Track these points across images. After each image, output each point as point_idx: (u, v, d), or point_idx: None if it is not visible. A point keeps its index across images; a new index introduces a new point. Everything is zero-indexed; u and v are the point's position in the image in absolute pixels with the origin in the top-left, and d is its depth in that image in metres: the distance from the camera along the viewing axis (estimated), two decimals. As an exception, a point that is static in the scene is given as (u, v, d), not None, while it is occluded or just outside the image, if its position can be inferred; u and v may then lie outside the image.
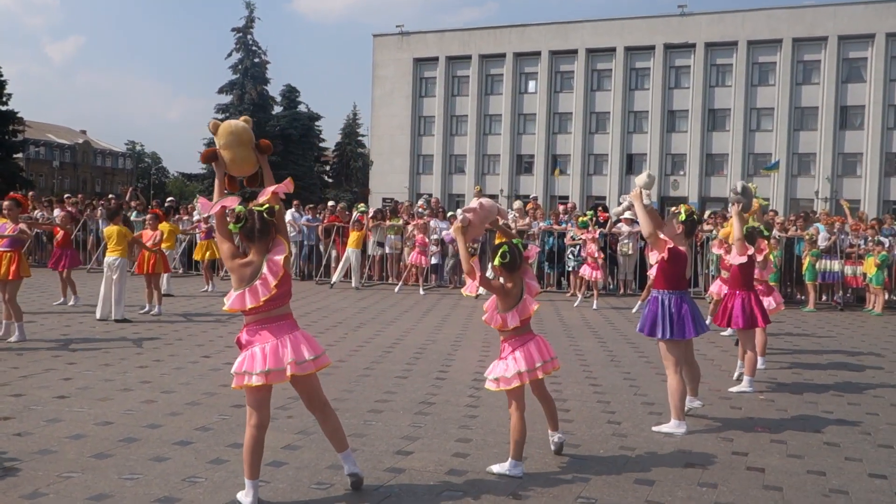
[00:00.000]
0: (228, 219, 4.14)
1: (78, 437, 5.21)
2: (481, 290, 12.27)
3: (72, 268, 12.17)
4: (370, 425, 5.66)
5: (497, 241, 4.99)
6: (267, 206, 4.12)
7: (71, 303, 11.84)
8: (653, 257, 5.91)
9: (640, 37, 51.47)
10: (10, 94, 54.56)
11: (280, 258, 4.05)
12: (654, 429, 5.72)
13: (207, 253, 14.86)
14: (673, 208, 6.43)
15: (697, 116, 50.61)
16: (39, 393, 6.38)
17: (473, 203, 5.01)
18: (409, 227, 16.10)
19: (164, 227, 13.63)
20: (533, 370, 4.67)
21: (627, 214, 10.22)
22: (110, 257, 10.62)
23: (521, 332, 4.76)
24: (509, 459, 4.68)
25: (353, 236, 15.57)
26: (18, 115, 54.74)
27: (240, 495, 4.11)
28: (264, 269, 4.03)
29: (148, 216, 12.39)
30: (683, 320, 5.69)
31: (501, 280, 4.80)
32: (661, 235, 5.80)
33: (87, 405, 6.04)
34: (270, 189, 4.23)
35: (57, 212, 14.15)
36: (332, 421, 4.25)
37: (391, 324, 11.02)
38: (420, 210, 18.29)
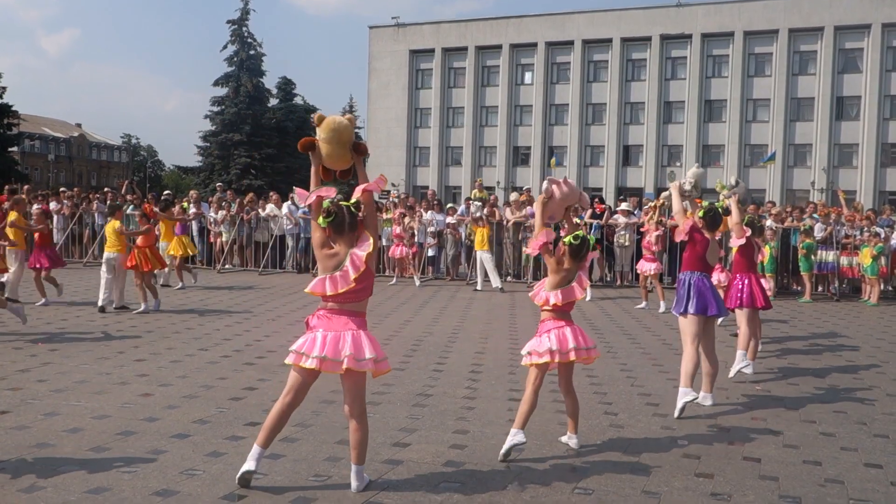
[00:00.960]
0: (321, 213, 4.20)
1: (75, 430, 5.21)
2: (479, 285, 12.29)
3: (51, 269, 11.64)
4: (368, 417, 5.65)
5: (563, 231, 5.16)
6: (355, 200, 4.22)
7: (56, 298, 11.51)
8: (676, 236, 6.38)
9: (637, 28, 51.38)
10: (4, 88, 54.33)
11: (363, 253, 4.13)
12: (675, 414, 5.80)
13: (180, 250, 14.10)
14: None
15: (694, 107, 50.58)
16: (36, 387, 6.38)
17: (560, 179, 5.19)
18: (383, 218, 16.08)
19: (163, 224, 13.63)
20: (566, 352, 4.78)
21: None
22: (109, 253, 10.62)
23: (560, 315, 4.90)
24: (512, 429, 4.77)
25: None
26: (13, 108, 54.53)
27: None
28: (347, 263, 4.12)
29: (138, 213, 12.09)
30: (704, 298, 5.98)
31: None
32: (688, 215, 6.23)
33: (84, 399, 6.04)
34: (363, 186, 4.29)
35: (35, 207, 13.87)
36: (362, 432, 4.24)
37: (388, 316, 11.03)
38: (393, 200, 18.29)
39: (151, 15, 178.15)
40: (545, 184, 5.21)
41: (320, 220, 4.16)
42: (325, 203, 4.18)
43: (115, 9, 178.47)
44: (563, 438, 5.13)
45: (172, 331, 9.34)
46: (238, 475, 4.19)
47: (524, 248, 16.17)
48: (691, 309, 5.98)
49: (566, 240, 4.91)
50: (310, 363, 4.06)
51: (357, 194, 4.29)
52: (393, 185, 23.85)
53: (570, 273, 4.92)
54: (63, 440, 4.99)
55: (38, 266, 11.39)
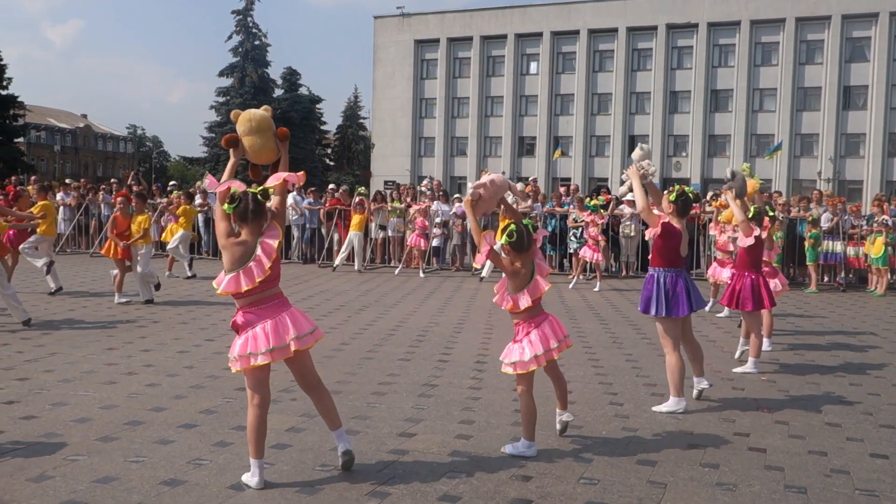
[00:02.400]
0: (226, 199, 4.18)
1: (83, 420, 5.24)
2: (485, 273, 12.36)
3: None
4: (373, 408, 5.69)
5: (502, 222, 4.97)
6: (261, 188, 4.18)
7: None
8: (648, 233, 5.94)
9: (643, 17, 51.13)
10: (10, 79, 54.35)
11: (274, 242, 4.12)
12: (655, 409, 5.75)
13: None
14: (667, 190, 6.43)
15: (700, 97, 50.38)
16: (44, 377, 6.42)
17: (484, 178, 4.99)
18: (412, 210, 16.09)
19: (183, 209, 13.66)
20: (549, 351, 4.68)
21: (629, 196, 10.21)
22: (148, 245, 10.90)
23: (533, 312, 4.75)
24: (522, 440, 4.73)
25: (356, 219, 15.57)
26: (19, 99, 54.59)
27: (245, 477, 4.14)
28: (258, 251, 4.09)
29: (120, 200, 11.43)
30: (678, 297, 5.69)
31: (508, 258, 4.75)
32: (655, 211, 5.84)
33: (92, 389, 6.07)
34: (282, 175, 4.28)
35: (59, 195, 14.00)
36: (326, 399, 4.32)
37: (394, 307, 11.04)
38: (424, 189, 18.25)
39: (156, 5, 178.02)
40: (470, 187, 4.96)
41: (225, 206, 4.11)
42: (233, 189, 4.13)
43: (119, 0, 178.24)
44: (558, 419, 5.03)
45: (179, 321, 9.37)
46: (248, 489, 4.12)
47: (474, 261, 16.02)
48: (664, 311, 5.68)
49: (503, 241, 4.68)
50: (261, 360, 4.03)
51: (276, 181, 4.25)
52: (430, 177, 23.77)
53: (527, 268, 4.71)
54: (71, 430, 5.02)
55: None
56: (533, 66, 54.83)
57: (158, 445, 4.76)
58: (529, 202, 16.25)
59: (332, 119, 70.39)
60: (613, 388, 6.47)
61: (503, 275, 4.85)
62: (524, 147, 55.49)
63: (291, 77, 61.66)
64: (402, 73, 57.14)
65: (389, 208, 16.95)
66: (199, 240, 15.39)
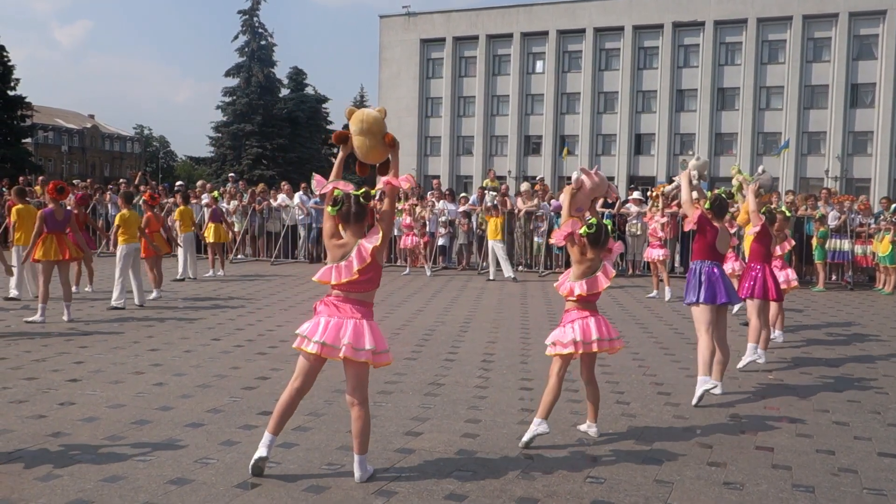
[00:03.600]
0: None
1: (91, 419, 5.26)
2: (492, 274, 12.28)
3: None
4: (380, 406, 5.69)
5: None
6: (364, 190, 4.22)
7: (87, 289, 11.69)
8: (686, 225, 6.47)
9: (649, 15, 51.00)
10: (17, 79, 54.51)
11: (370, 245, 4.13)
12: (693, 402, 5.80)
13: (213, 236, 14.69)
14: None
15: (706, 95, 50.20)
16: (52, 376, 6.44)
17: (592, 169, 5.19)
18: (400, 209, 16.09)
19: (179, 210, 13.66)
20: (589, 342, 4.80)
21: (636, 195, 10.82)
22: (126, 245, 10.56)
23: (585, 305, 4.91)
24: (535, 418, 4.80)
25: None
26: (26, 100, 54.81)
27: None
28: (353, 253, 4.14)
29: (143, 201, 12.19)
30: (714, 287, 6.01)
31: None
32: (695, 205, 6.24)
33: (99, 388, 6.09)
34: (386, 179, 4.31)
35: (71, 196, 14.08)
36: (364, 421, 4.23)
37: (400, 306, 11.05)
38: (405, 189, 18.17)
39: (163, 6, 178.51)
40: (575, 174, 5.18)
41: (328, 208, 4.21)
42: (337, 192, 4.20)
43: (127, 0, 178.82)
44: (583, 427, 5.14)
45: (186, 321, 9.39)
46: (251, 463, 4.22)
47: (535, 238, 16.16)
48: (701, 298, 6.01)
49: (582, 230, 4.89)
50: (311, 347, 4.10)
51: (379, 186, 4.33)
52: (430, 176, 23.93)
53: (595, 263, 4.91)
54: (78, 429, 5.04)
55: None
56: (539, 65, 54.75)
57: (166, 444, 4.77)
58: (536, 201, 16.25)
59: (338, 118, 70.30)
60: (620, 387, 6.47)
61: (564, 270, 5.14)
62: (530, 146, 55.42)
63: (297, 77, 61.79)
64: (407, 72, 57.14)
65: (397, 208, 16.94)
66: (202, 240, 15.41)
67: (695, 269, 6.16)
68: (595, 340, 4.82)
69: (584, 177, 5.11)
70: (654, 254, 12.22)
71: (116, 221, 10.67)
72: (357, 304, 4.19)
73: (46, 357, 7.18)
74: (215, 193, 18.15)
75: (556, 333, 4.92)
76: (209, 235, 14.69)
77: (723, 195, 6.56)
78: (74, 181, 23.57)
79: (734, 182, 7.82)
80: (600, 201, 15.17)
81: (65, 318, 9.17)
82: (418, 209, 16.18)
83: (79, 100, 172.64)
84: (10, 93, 54.07)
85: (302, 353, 4.19)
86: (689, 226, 6.32)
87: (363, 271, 4.14)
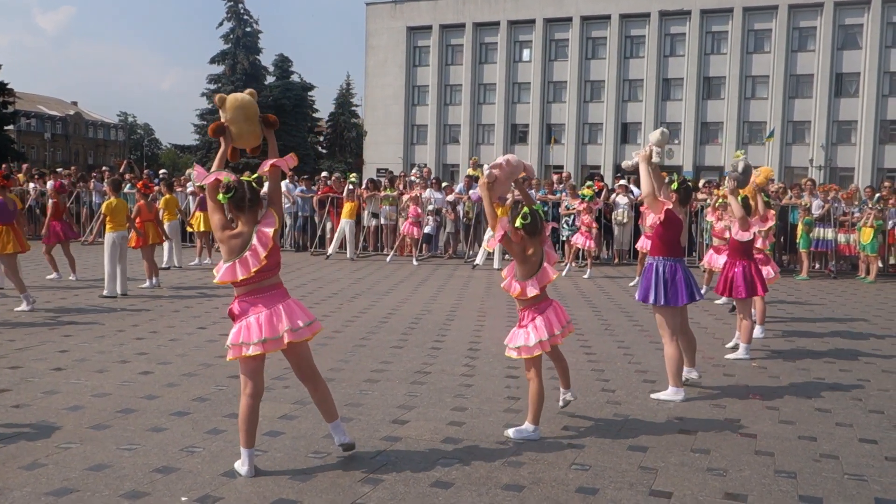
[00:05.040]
0: (220, 190, 4.12)
1: (75, 408, 5.23)
2: (479, 260, 12.34)
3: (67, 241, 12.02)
4: (366, 395, 5.70)
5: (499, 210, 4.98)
6: (256, 175, 4.16)
7: (71, 277, 11.66)
8: (648, 220, 5.92)
9: (636, 4, 51.05)
10: (0, 65, 53.94)
11: (270, 230, 4.06)
12: (653, 396, 5.78)
13: (202, 225, 14.61)
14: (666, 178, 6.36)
15: (692, 84, 50.39)
16: (36, 365, 6.40)
17: (500, 159, 5.02)
18: (404, 198, 16.06)
19: (164, 199, 13.40)
20: (553, 337, 4.78)
21: (627, 163, 10.08)
22: (113, 233, 10.35)
23: (538, 299, 4.83)
24: (526, 424, 4.80)
25: (347, 207, 15.54)
26: (9, 86, 54.12)
27: (237, 465, 4.15)
28: (254, 241, 4.04)
29: (136, 190, 12.12)
30: (677, 286, 5.71)
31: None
32: (660, 198, 5.82)
33: (84, 377, 6.06)
34: (270, 161, 4.24)
35: (50, 184, 13.93)
36: (322, 390, 4.29)
37: (386, 294, 11.04)
38: (414, 178, 18.19)
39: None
40: (486, 169, 5.00)
41: (220, 196, 4.06)
42: (225, 178, 4.08)
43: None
44: (561, 397, 5.16)
45: (171, 309, 9.35)
46: (239, 477, 4.12)
47: (485, 244, 15.99)
48: (661, 300, 5.68)
49: (517, 223, 4.72)
50: (252, 350, 4.00)
51: (263, 168, 4.22)
52: (418, 166, 23.88)
53: (537, 255, 4.77)
54: (63, 418, 5.01)
55: (51, 240, 11.71)
56: (525, 54, 54.70)
57: (151, 433, 4.76)
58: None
59: (324, 107, 70.20)
60: (605, 374, 6.50)
61: (511, 261, 4.89)
62: (517, 135, 55.42)
63: (283, 64, 61.24)
64: (394, 60, 56.91)
65: (382, 196, 16.91)
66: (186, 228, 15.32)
67: (655, 267, 5.74)
68: (559, 334, 4.80)
69: (494, 171, 4.93)
70: (648, 245, 12.17)
71: (103, 209, 10.58)
72: (271, 289, 4.12)
73: (30, 346, 7.13)
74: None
75: (520, 338, 4.77)
76: (197, 224, 14.56)
77: (689, 182, 5.98)
78: (58, 169, 23.34)
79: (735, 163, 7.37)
80: (536, 186, 15.02)
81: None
82: (405, 198, 16.14)
83: (62, 87, 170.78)
84: (-8, 79, 53.37)
85: (242, 359, 4.06)
86: (652, 220, 5.79)
87: (268, 256, 4.05)
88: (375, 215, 16.99)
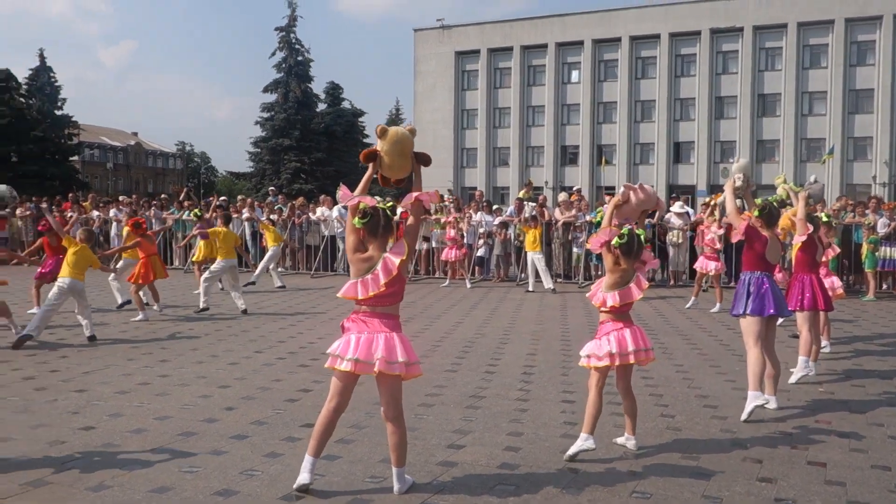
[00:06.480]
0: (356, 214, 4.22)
1: (139, 431, 5.35)
2: (531, 286, 12.12)
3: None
4: (421, 419, 5.69)
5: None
6: (391, 204, 4.25)
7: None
8: (733, 236, 6.22)
9: (686, 22, 50.56)
10: (64, 99, 56.39)
11: (397, 259, 4.14)
12: (743, 417, 5.67)
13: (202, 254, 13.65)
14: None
15: (747, 102, 49.53)
16: (101, 388, 6.57)
17: (637, 185, 5.24)
18: (442, 221, 16.08)
19: (223, 233, 12.83)
20: (625, 354, 4.77)
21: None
22: (223, 262, 11.32)
23: (619, 316, 4.87)
24: (581, 434, 4.76)
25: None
26: (73, 119, 56.34)
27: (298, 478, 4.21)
28: (378, 267, 4.14)
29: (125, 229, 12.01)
30: (763, 298, 5.86)
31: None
32: (742, 214, 6.10)
33: (146, 400, 6.19)
34: (415, 195, 4.33)
35: (116, 213, 14.19)
36: (400, 434, 4.24)
37: (439, 318, 11.04)
38: (446, 204, 18.18)
39: (203, 26, 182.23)
40: (622, 188, 5.22)
41: (355, 220, 4.18)
42: (362, 205, 4.19)
43: (169, 21, 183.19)
44: (620, 440, 5.08)
45: (229, 333, 9.51)
46: (295, 486, 4.21)
47: (574, 248, 16.04)
48: (748, 309, 5.87)
49: (614, 242, 4.84)
50: (344, 366, 4.09)
51: (407, 201, 4.32)
52: (449, 190, 24.05)
53: (628, 273, 4.87)
54: (128, 440, 5.13)
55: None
56: (574, 75, 54.60)
57: (211, 456, 4.83)
58: (574, 211, 16.15)
59: (373, 132, 70.98)
60: (664, 399, 6.36)
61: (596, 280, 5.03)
62: (567, 156, 55.20)
63: (334, 91, 62.49)
64: (442, 84, 57.40)
65: (433, 219, 16.98)
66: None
67: (744, 280, 6.03)
68: (631, 352, 4.79)
69: (630, 193, 5.17)
70: (709, 266, 11.96)
71: (212, 237, 11.58)
72: (385, 317, 4.19)
73: (95, 369, 7.32)
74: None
75: (592, 346, 4.88)
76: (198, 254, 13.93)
77: (774, 203, 6.33)
78: (120, 197, 24.11)
79: (779, 192, 7.57)
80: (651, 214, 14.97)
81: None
82: (441, 221, 16.16)
83: (123, 118, 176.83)
84: (58, 112, 55.74)
85: (335, 371, 4.18)
86: (735, 237, 6.16)
87: (389, 284, 4.13)
88: (426, 239, 17.07)
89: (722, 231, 12.00)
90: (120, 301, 11.51)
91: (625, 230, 4.86)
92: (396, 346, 4.13)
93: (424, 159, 4.51)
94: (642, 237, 4.93)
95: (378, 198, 4.33)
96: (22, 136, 51.87)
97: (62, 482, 4.36)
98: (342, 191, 4.44)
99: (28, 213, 19.98)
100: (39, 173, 51.75)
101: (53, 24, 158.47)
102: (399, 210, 4.37)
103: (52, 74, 57.19)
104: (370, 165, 4.44)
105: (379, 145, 4.43)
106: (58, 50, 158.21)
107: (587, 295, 5.10)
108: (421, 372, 4.34)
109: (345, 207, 4.36)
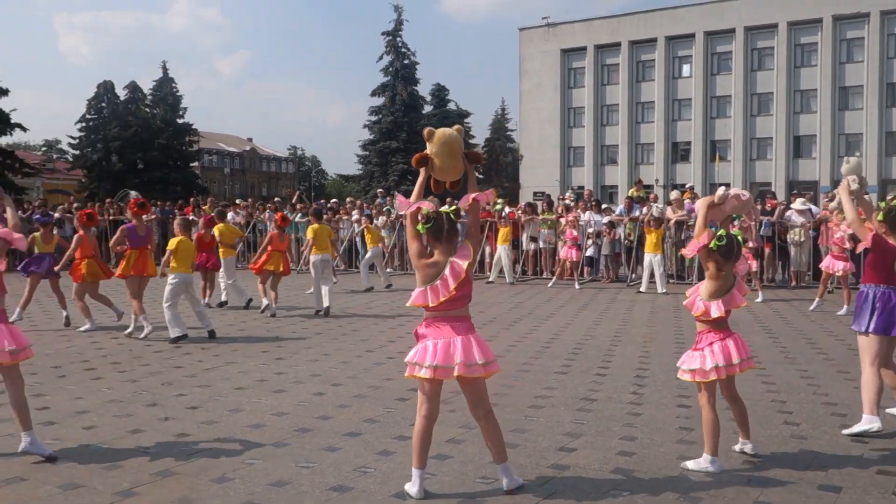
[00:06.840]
0: (419, 219, 4.25)
1: (257, 426, 5.56)
2: (643, 287, 11.79)
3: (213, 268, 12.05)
4: (531, 421, 5.63)
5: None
6: (455, 207, 4.26)
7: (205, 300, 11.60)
8: (859, 247, 5.70)
9: (805, 10, 47.99)
10: (185, 108, 59.56)
11: (464, 262, 4.14)
12: (844, 432, 5.28)
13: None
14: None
15: (874, 91, 46.50)
16: (222, 384, 6.88)
17: (739, 190, 5.13)
18: (562, 222, 15.90)
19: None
20: (730, 366, 4.59)
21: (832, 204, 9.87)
22: (315, 256, 11.48)
23: (720, 325, 4.68)
24: (704, 454, 4.59)
25: (502, 232, 15.63)
26: (193, 127, 59.49)
27: (407, 486, 4.22)
28: (446, 271, 4.14)
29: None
30: (891, 315, 5.24)
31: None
32: (866, 223, 5.50)
33: (264, 396, 6.44)
34: (472, 195, 4.35)
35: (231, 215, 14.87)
36: (493, 430, 4.24)
37: (547, 319, 10.93)
38: (568, 202, 17.97)
39: (313, 34, 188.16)
40: (721, 189, 5.02)
41: (419, 226, 4.16)
42: (425, 210, 4.18)
43: (281, 30, 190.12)
44: (737, 447, 4.86)
45: (340, 332, 9.76)
46: (409, 499, 4.20)
47: (682, 250, 15.50)
48: (872, 327, 5.26)
49: (712, 245, 4.60)
50: (423, 373, 4.08)
51: (464, 202, 4.30)
52: (571, 188, 23.86)
53: (729, 279, 4.65)
54: (247, 434, 5.34)
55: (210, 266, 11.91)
56: (686, 69, 52.91)
57: (326, 452, 4.95)
58: (686, 210, 15.62)
59: (480, 132, 71.10)
60: (787, 406, 6.04)
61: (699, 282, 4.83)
62: (678, 153, 53.55)
63: (440, 93, 63.06)
64: (548, 83, 56.92)
65: (541, 219, 16.84)
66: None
67: (866, 294, 5.40)
68: (736, 363, 4.58)
69: (730, 195, 4.95)
70: (837, 266, 11.25)
71: (309, 235, 11.72)
72: (457, 320, 4.17)
73: (216, 366, 7.68)
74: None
75: (695, 361, 4.63)
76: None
77: None
78: (237, 201, 25.25)
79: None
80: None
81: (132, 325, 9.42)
82: (563, 221, 15.97)
83: (238, 125, 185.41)
84: (180, 121, 59.02)
85: (418, 380, 4.18)
86: (861, 247, 5.61)
87: (458, 288, 4.10)
88: (534, 239, 16.94)
89: (851, 230, 11.23)
90: (245, 298, 12.01)
91: (721, 231, 4.65)
92: (473, 347, 4.12)
93: (475, 158, 4.48)
94: (739, 238, 4.72)
95: (433, 204, 4.31)
96: (147, 144, 55.22)
97: (188, 472, 4.58)
98: (398, 199, 4.47)
99: (153, 216, 21.24)
100: (163, 179, 54.90)
101: (175, 37, 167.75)
102: (461, 212, 4.32)
103: (174, 85, 60.59)
104: (421, 170, 4.42)
105: (428, 148, 4.42)
106: (179, 62, 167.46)
107: (684, 303, 4.85)
108: (499, 368, 4.32)
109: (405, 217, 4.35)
